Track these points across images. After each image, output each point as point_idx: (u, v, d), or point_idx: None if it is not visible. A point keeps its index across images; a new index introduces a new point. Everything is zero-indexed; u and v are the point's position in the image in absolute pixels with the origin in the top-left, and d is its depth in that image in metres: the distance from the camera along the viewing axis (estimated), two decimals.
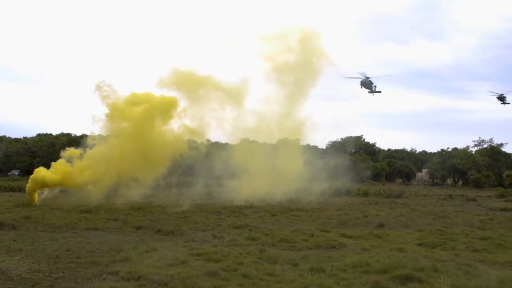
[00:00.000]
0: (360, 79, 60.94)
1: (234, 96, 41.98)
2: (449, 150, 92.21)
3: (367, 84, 60.79)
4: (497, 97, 72.57)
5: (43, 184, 36.70)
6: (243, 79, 42.57)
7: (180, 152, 38.93)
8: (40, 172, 36.84)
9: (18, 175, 74.57)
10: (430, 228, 23.86)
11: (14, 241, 18.41)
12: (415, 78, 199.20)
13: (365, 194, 50.36)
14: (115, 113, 38.47)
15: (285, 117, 45.18)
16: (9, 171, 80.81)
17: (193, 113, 40.67)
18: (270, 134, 46.29)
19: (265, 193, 39.57)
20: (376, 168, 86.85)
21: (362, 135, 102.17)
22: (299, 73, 44.89)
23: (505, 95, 72.31)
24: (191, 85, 40.30)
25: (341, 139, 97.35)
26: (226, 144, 53.09)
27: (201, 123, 40.94)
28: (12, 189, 48.15)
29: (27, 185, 36.70)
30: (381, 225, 24.98)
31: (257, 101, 45.77)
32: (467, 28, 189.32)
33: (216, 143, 57.93)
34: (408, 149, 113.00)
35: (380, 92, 63.02)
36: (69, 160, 38.43)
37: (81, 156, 38.66)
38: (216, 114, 41.95)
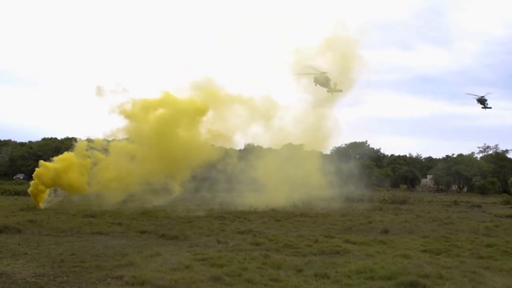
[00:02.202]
0: (314, 75, 49.98)
1: (263, 113, 42.69)
2: (454, 156, 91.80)
3: (322, 80, 50.32)
4: (477, 100, 65.01)
5: (70, 189, 36.62)
6: (269, 96, 43.51)
7: (208, 158, 39.02)
8: (64, 171, 36.17)
9: (23, 179, 74.80)
10: (435, 235, 23.76)
11: (19, 245, 18.47)
12: (420, 84, 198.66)
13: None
14: (135, 112, 38.33)
15: (315, 125, 45.38)
16: (14, 175, 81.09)
17: (218, 126, 41.05)
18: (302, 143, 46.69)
19: (285, 200, 39.44)
20: (381, 174, 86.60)
21: (367, 141, 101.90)
22: (334, 80, 45.24)
23: (486, 98, 64.69)
24: (217, 103, 40.48)
25: (346, 144, 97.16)
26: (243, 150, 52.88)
27: (227, 133, 41.41)
28: (17, 193, 48.25)
29: (35, 184, 35.71)
30: (385, 231, 24.90)
31: (286, 109, 45.79)
32: (471, 34, 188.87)
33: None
34: (414, 155, 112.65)
35: (341, 91, 52.46)
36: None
37: (104, 151, 38.49)
38: (243, 127, 42.53)
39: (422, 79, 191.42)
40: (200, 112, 39.37)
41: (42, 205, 34.86)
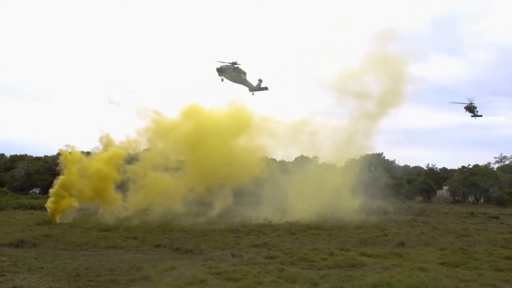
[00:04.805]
0: (220, 65, 41.32)
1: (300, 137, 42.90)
2: (470, 167, 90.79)
3: (230, 73, 41.61)
4: (465, 108, 59.63)
5: (107, 201, 35.92)
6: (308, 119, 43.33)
7: (256, 171, 38.87)
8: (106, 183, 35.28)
9: (38, 193, 75.44)
10: (452, 247, 23.44)
11: (35, 259, 18.59)
12: (434, 95, 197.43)
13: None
14: (162, 125, 38.25)
15: (349, 142, 45.55)
16: (30, 189, 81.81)
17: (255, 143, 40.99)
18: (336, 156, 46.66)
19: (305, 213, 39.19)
20: (396, 186, 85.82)
21: (382, 153, 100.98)
22: (380, 96, 44.53)
23: (475, 105, 59.21)
24: (250, 128, 40.31)
25: (360, 156, 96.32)
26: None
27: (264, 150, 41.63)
28: (33, 207, 48.70)
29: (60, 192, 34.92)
30: (401, 244, 24.61)
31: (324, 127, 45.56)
32: (486, 44, 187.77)
33: None
34: (429, 166, 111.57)
35: (266, 89, 45.28)
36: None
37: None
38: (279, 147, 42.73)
39: (436, 90, 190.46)
40: (238, 128, 39.27)
41: (58, 219, 34.96)
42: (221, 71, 41.65)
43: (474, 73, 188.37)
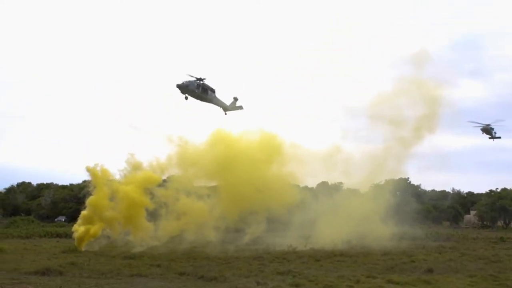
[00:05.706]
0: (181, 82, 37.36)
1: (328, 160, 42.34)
2: (498, 190, 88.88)
3: (192, 90, 37.47)
4: (481, 129, 57.48)
5: (136, 227, 35.42)
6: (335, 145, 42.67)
7: (290, 198, 38.36)
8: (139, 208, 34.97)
9: (64, 221, 76.26)
10: (482, 274, 22.88)
11: (61, 287, 18.72)
12: (459, 118, 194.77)
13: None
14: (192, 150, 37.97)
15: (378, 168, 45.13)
16: (56, 217, 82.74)
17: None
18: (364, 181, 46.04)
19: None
20: (422, 211, 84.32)
21: (408, 178, 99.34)
22: (415, 122, 43.80)
23: (492, 126, 56.93)
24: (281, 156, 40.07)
25: (386, 181, 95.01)
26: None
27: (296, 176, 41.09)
28: (58, 235, 49.24)
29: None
30: (429, 270, 24.15)
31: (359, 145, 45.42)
32: (508, 66, 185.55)
33: None
34: (455, 190, 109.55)
35: (241, 108, 42.24)
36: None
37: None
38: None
39: (461, 113, 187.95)
40: (268, 155, 38.91)
41: (83, 247, 35.10)
42: (182, 88, 37.13)
43: (497, 95, 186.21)
